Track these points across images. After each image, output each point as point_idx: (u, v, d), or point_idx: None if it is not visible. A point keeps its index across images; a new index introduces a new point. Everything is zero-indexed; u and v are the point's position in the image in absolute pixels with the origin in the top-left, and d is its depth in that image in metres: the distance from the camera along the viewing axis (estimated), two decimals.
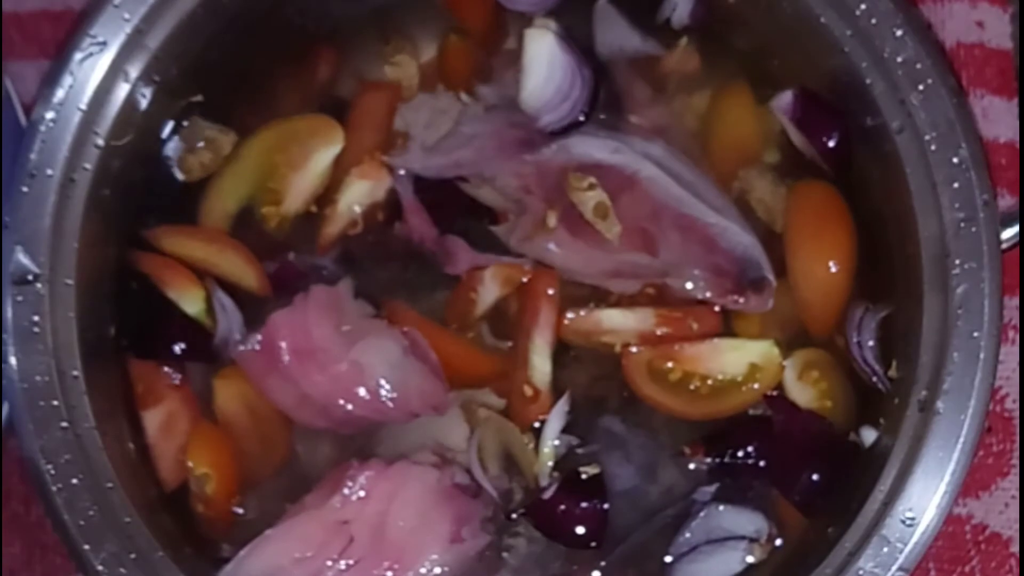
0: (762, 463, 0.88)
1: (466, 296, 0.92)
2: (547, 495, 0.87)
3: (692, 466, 0.89)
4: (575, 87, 0.89)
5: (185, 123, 0.94)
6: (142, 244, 0.92)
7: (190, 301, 0.90)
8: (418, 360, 0.89)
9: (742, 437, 0.88)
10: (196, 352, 0.90)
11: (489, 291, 0.92)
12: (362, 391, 0.87)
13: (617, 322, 0.90)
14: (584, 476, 0.87)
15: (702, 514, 0.87)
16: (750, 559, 0.87)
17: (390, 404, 0.87)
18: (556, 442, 0.88)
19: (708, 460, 0.89)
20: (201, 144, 0.93)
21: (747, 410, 0.90)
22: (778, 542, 0.88)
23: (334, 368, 0.87)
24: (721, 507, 0.87)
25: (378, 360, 0.87)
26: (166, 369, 0.91)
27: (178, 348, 0.90)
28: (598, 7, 0.93)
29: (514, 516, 0.88)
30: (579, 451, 0.90)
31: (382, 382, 0.87)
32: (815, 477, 0.87)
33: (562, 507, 0.86)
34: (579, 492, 0.87)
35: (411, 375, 0.88)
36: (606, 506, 0.86)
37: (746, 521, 0.87)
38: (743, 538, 0.87)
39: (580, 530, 0.87)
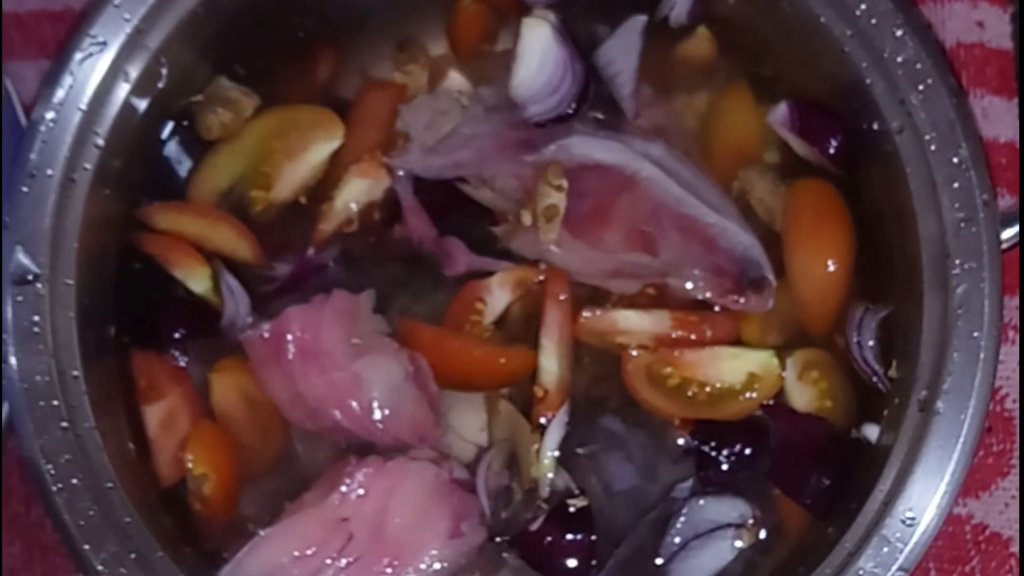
0: (735, 457, 0.88)
1: (470, 306, 0.92)
2: (534, 527, 0.86)
3: (681, 441, 0.90)
4: (565, 81, 0.89)
5: (199, 98, 0.94)
6: (146, 227, 0.92)
7: (197, 279, 0.91)
8: (418, 388, 0.88)
9: (733, 433, 0.88)
10: (200, 331, 0.91)
11: (498, 299, 0.92)
12: (354, 404, 0.87)
13: (633, 323, 0.90)
14: (572, 509, 0.87)
15: (684, 511, 0.87)
16: (739, 544, 0.87)
17: (379, 424, 0.87)
18: (556, 452, 0.88)
19: (694, 442, 0.89)
20: (223, 105, 0.94)
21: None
22: (762, 535, 0.88)
23: (333, 375, 0.87)
24: (701, 500, 0.87)
25: (378, 378, 0.87)
26: (172, 351, 0.91)
27: (182, 331, 0.91)
28: (632, 21, 0.93)
29: (498, 540, 0.88)
30: (580, 451, 0.90)
31: (376, 401, 0.87)
32: (825, 480, 0.87)
33: (548, 539, 0.86)
34: (566, 524, 0.86)
35: (407, 401, 0.88)
36: (593, 538, 0.86)
37: (728, 508, 0.87)
38: (729, 526, 0.87)
39: (571, 563, 0.86)
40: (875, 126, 0.86)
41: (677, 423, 0.90)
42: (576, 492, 0.88)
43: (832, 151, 0.90)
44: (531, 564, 0.87)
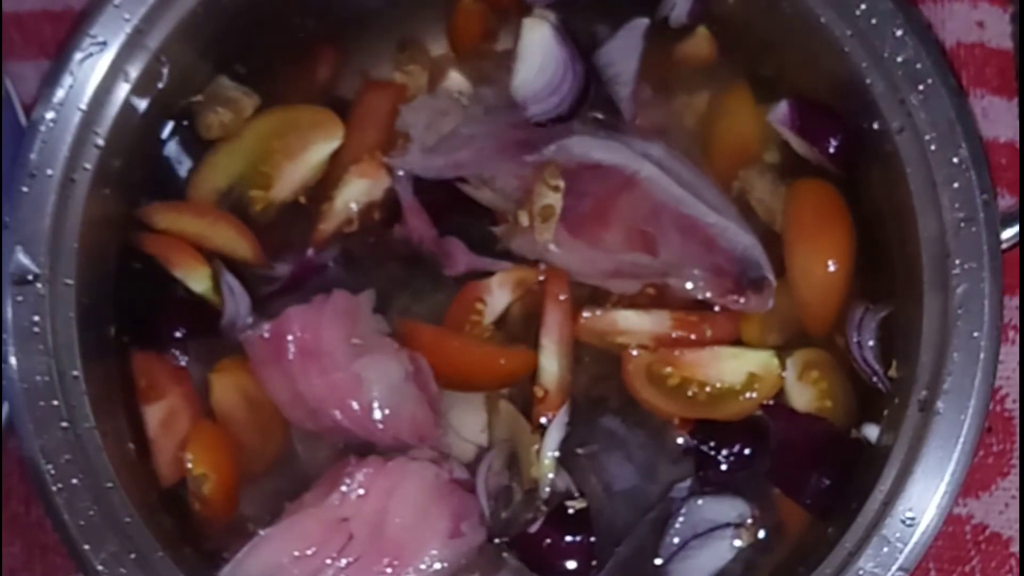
0: (734, 457, 0.88)
1: (470, 306, 0.92)
2: (533, 529, 0.86)
3: (680, 441, 0.90)
4: (566, 81, 0.89)
5: (199, 98, 0.94)
6: (146, 227, 0.92)
7: (197, 279, 0.91)
8: (418, 388, 0.89)
9: (732, 432, 0.88)
10: (201, 330, 0.91)
11: (498, 299, 0.92)
12: (354, 404, 0.87)
13: (633, 323, 0.90)
14: (571, 511, 0.87)
15: (683, 511, 0.87)
16: (738, 543, 0.87)
17: (379, 424, 0.87)
18: (556, 453, 0.88)
19: (693, 441, 0.89)
20: (223, 105, 0.94)
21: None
22: (761, 534, 0.88)
23: (333, 375, 0.87)
24: (700, 500, 0.87)
25: (378, 378, 0.87)
26: (172, 351, 0.91)
27: (182, 330, 0.91)
28: (634, 23, 0.93)
29: (497, 541, 0.88)
30: (579, 451, 0.90)
31: (376, 401, 0.87)
32: (825, 480, 0.87)
33: (547, 541, 0.86)
34: (565, 526, 0.86)
35: (407, 401, 0.88)
36: (592, 540, 0.86)
37: (728, 508, 0.87)
38: (728, 525, 0.87)
39: (570, 564, 0.86)
40: (875, 126, 0.86)
41: (676, 423, 0.90)
42: (576, 494, 0.88)
43: (832, 150, 0.90)
44: (530, 566, 0.87)
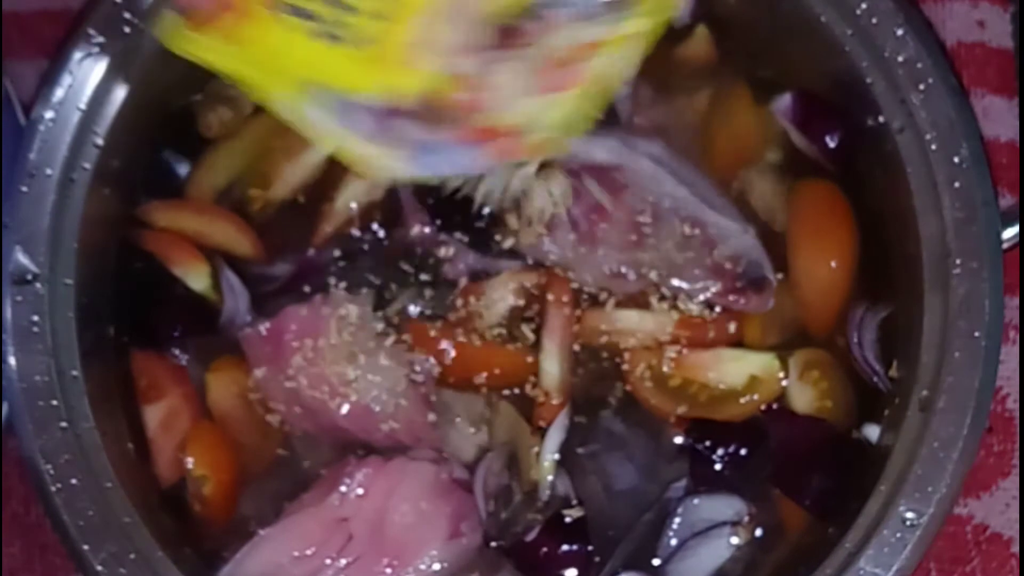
0: (729, 457, 0.88)
1: (470, 307, 0.92)
2: (529, 537, 0.86)
3: (678, 440, 0.89)
4: None
5: (198, 96, 0.94)
6: (145, 225, 0.92)
7: (196, 277, 0.91)
8: (417, 389, 0.88)
9: (728, 432, 0.88)
10: (199, 328, 0.91)
11: (499, 300, 0.92)
12: (354, 404, 0.87)
13: (633, 323, 0.90)
14: (568, 519, 0.86)
15: (680, 510, 0.87)
16: (735, 541, 0.87)
17: (378, 425, 0.87)
18: (556, 455, 0.88)
19: (688, 440, 0.88)
20: (223, 103, 0.94)
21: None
22: (758, 532, 0.87)
23: (333, 375, 0.87)
24: (696, 499, 0.87)
25: (376, 378, 0.87)
26: (171, 350, 0.91)
27: (180, 329, 0.91)
28: None
29: (493, 545, 0.87)
30: (580, 451, 0.90)
31: (375, 401, 0.87)
32: (826, 481, 0.86)
33: (544, 549, 0.85)
34: (562, 535, 0.86)
35: (406, 401, 0.88)
36: (590, 548, 0.86)
37: (724, 506, 0.87)
38: (725, 524, 0.87)
39: (569, 573, 0.86)
40: (875, 125, 0.86)
41: (673, 421, 0.90)
42: (574, 501, 0.87)
43: (831, 146, 0.90)
44: (528, 574, 0.87)
